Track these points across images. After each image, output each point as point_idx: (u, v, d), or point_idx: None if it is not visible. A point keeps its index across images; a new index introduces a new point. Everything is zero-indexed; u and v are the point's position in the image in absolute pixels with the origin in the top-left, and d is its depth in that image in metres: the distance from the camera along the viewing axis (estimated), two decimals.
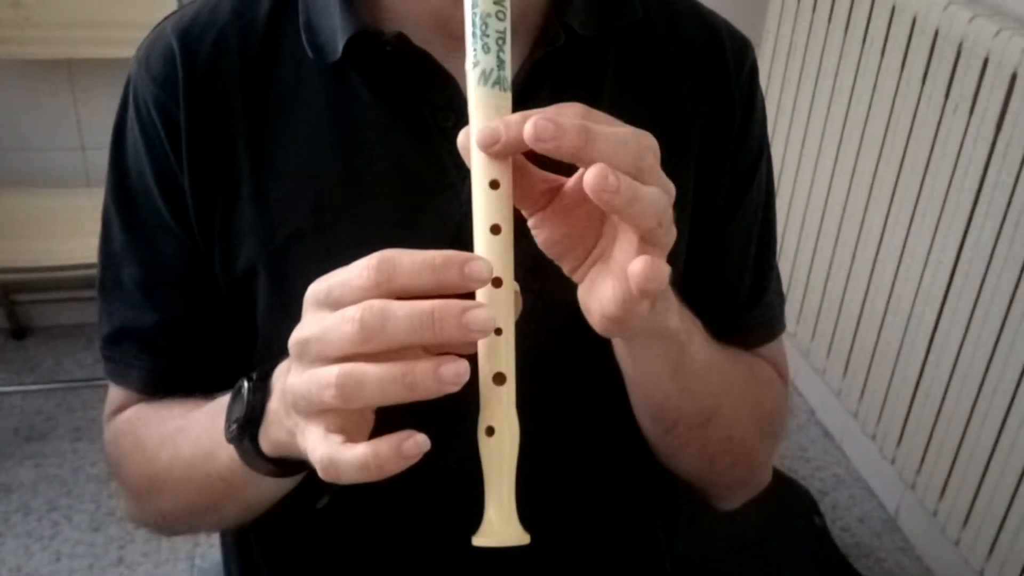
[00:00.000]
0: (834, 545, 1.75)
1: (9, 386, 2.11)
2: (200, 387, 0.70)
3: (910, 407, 1.77)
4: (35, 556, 1.73)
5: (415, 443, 0.44)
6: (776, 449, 0.80)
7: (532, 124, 0.45)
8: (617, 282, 0.49)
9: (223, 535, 0.85)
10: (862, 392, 1.92)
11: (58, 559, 1.72)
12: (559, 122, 0.45)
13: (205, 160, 0.67)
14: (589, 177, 0.45)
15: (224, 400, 0.60)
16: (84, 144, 2.11)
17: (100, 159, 2.09)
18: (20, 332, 2.25)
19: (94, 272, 0.74)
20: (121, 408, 0.74)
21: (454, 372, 0.44)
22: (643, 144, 0.48)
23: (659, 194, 0.48)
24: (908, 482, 1.80)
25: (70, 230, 1.90)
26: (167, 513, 0.72)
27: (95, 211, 0.73)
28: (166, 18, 0.71)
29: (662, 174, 0.50)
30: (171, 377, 0.72)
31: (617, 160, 0.46)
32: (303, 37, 0.66)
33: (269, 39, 0.68)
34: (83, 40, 1.95)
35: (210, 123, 0.67)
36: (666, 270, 0.48)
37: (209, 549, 1.73)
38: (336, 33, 0.65)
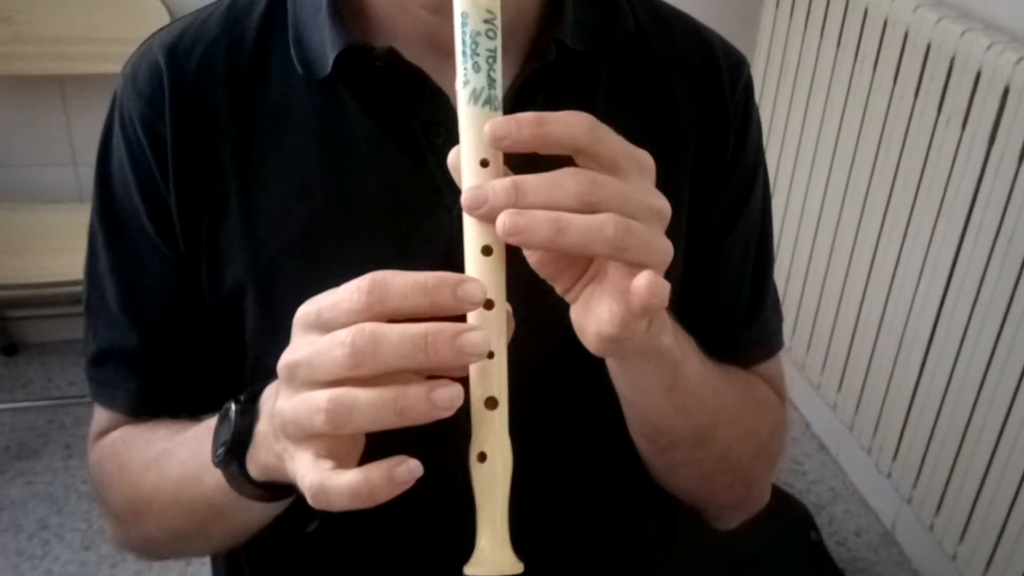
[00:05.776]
0: (831, 560, 1.74)
1: (0, 403, 2.10)
2: (187, 408, 0.69)
3: (906, 420, 1.76)
4: (25, 575, 1.71)
5: (407, 469, 0.44)
6: (774, 469, 0.80)
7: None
8: (615, 302, 0.49)
9: (214, 558, 0.84)
10: (857, 405, 1.91)
11: None
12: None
13: (192, 177, 0.66)
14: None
15: (211, 423, 0.60)
16: (76, 160, 2.11)
17: (93, 175, 2.10)
18: (11, 348, 2.24)
19: None
20: (107, 430, 0.73)
21: (448, 396, 0.43)
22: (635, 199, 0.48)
23: (648, 235, 0.47)
24: (904, 496, 1.79)
25: (62, 246, 1.88)
26: (153, 538, 0.71)
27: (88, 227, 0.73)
28: (154, 34, 0.70)
29: (655, 193, 0.49)
30: (157, 398, 0.71)
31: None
32: (292, 52, 0.66)
33: (257, 54, 0.67)
34: (74, 56, 1.94)
35: (197, 139, 0.66)
36: (667, 286, 0.47)
37: (201, 567, 1.72)
38: (326, 48, 0.64)
